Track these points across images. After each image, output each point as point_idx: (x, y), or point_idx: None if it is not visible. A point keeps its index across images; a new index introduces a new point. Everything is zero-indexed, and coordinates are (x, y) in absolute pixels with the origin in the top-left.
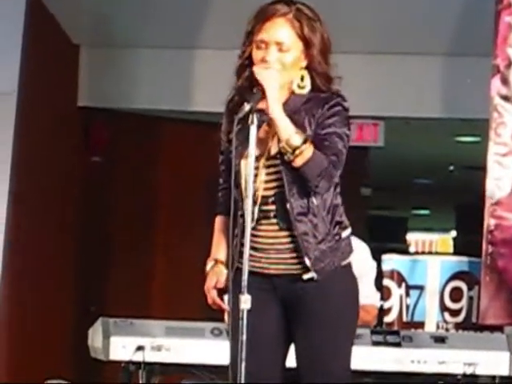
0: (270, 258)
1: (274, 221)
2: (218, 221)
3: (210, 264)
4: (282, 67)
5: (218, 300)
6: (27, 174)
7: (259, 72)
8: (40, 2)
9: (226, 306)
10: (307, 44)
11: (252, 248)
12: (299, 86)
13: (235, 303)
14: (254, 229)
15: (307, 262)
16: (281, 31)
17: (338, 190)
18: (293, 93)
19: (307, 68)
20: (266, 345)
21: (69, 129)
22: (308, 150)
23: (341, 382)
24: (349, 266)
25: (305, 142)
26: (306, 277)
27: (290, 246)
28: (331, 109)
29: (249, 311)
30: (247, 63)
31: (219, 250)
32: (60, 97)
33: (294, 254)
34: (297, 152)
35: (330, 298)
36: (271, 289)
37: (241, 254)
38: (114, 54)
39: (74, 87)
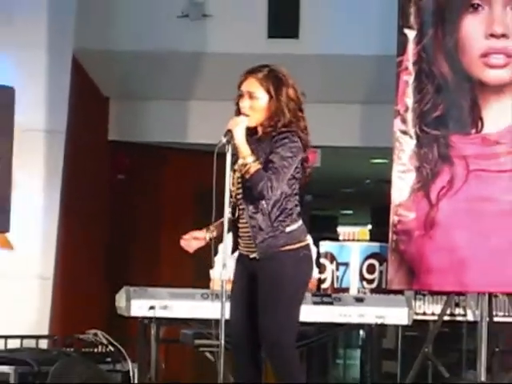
0: (244, 243)
1: (244, 217)
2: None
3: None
4: (252, 111)
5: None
6: (74, 190)
7: (231, 120)
8: (78, 63)
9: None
10: (272, 97)
11: (239, 236)
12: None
13: (236, 276)
14: (237, 222)
15: (254, 245)
16: (251, 85)
17: (293, 199)
18: (264, 132)
19: (275, 114)
20: (239, 305)
21: (102, 156)
22: (254, 167)
23: (284, 329)
24: (291, 251)
25: (254, 161)
26: (251, 256)
27: (249, 234)
28: (280, 141)
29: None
30: (236, 108)
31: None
32: (96, 134)
33: (250, 241)
34: (247, 167)
35: (269, 272)
36: (245, 266)
37: (237, 243)
38: (134, 104)
39: (106, 126)
